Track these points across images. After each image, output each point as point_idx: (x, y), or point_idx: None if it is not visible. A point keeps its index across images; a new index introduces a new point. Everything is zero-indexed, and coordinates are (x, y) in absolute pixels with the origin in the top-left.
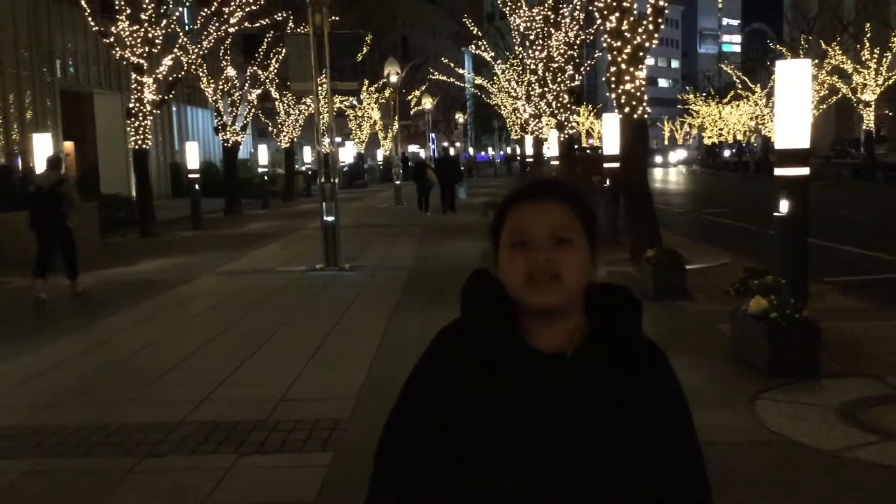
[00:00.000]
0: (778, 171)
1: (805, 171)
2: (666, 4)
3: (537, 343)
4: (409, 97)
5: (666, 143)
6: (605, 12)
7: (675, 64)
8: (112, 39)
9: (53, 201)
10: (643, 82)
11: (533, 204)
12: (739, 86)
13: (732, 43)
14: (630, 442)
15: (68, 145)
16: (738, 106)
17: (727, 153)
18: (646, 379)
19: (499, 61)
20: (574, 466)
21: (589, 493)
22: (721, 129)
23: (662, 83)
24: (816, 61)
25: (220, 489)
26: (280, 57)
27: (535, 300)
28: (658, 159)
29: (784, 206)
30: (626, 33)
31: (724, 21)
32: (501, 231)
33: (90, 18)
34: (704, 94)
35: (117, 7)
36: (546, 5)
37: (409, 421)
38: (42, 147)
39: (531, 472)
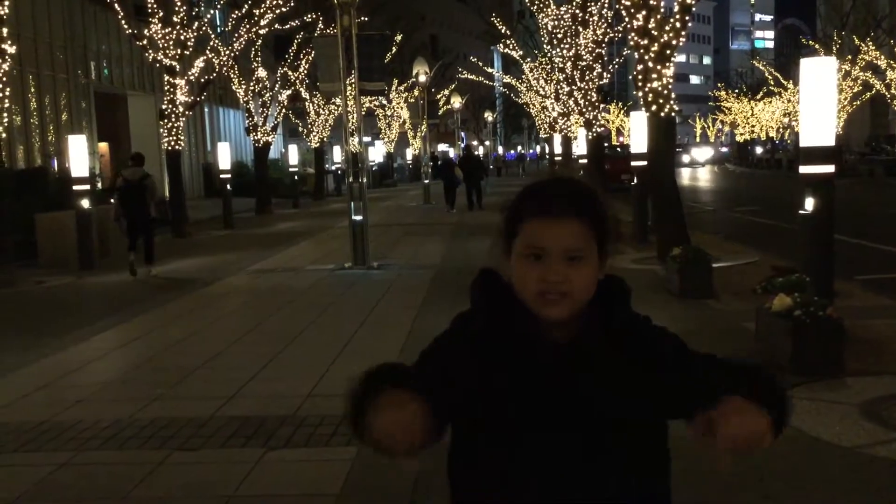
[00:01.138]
0: (803, 169)
1: (830, 168)
2: (693, 1)
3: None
4: (438, 96)
5: (697, 139)
6: (632, 10)
7: (706, 60)
8: (145, 42)
9: (139, 193)
10: (671, 80)
11: (550, 220)
12: (772, 82)
13: (765, 39)
14: (636, 406)
15: (103, 146)
16: (770, 102)
17: (759, 150)
18: (636, 343)
19: (527, 60)
20: (581, 436)
21: (595, 457)
22: (753, 126)
23: (694, 80)
24: (850, 57)
25: (248, 482)
26: (310, 58)
27: (544, 314)
28: (685, 158)
29: (809, 204)
30: (653, 31)
31: (757, 17)
32: (516, 234)
33: (124, 21)
34: (737, 91)
35: (150, 10)
36: (574, 3)
37: (428, 369)
38: (77, 148)
39: (537, 454)
